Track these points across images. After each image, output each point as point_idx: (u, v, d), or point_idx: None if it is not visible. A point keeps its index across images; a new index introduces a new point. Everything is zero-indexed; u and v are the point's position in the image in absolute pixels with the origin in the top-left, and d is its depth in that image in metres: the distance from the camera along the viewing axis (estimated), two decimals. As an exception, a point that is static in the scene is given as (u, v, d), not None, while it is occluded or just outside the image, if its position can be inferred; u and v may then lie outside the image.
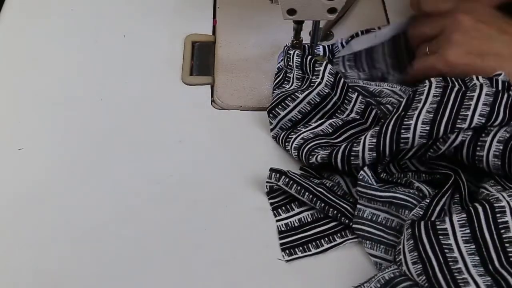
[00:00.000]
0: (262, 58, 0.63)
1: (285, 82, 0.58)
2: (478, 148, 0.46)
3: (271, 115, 0.55)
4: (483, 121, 0.45)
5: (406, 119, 0.47)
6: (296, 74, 0.57)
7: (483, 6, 0.54)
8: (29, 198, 0.51)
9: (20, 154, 0.54)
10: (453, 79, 0.49)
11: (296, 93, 0.54)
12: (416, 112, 0.47)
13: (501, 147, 0.45)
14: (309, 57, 0.56)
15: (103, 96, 0.59)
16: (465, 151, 0.47)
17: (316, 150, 0.51)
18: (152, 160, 0.54)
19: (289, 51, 0.58)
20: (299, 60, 0.57)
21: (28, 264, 0.47)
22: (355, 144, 0.49)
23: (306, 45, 0.61)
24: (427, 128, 0.46)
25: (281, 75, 0.59)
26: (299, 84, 0.57)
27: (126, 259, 0.48)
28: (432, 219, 0.45)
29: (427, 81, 0.49)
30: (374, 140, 0.48)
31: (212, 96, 0.60)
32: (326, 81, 0.54)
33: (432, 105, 0.47)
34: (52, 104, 0.59)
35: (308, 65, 0.56)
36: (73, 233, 0.49)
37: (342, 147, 0.49)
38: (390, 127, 0.47)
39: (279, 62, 0.60)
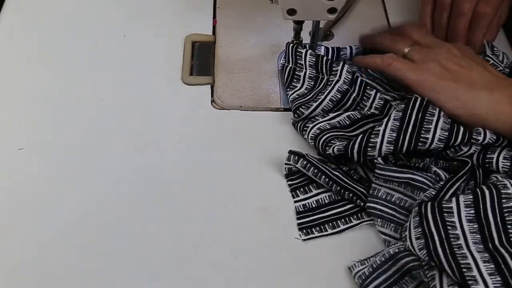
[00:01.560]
0: (262, 58, 0.63)
1: (294, 80, 0.58)
2: (486, 161, 0.50)
3: (295, 115, 0.56)
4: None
5: (425, 122, 0.50)
6: (309, 73, 0.58)
7: (469, 48, 0.57)
8: (29, 198, 0.51)
9: (20, 154, 0.54)
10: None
11: (318, 96, 0.55)
12: (435, 118, 0.50)
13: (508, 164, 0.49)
14: (325, 58, 0.57)
15: (103, 96, 0.59)
16: (475, 158, 0.50)
17: (333, 142, 0.52)
18: (152, 160, 0.54)
19: (299, 49, 0.58)
20: (313, 59, 0.58)
21: (28, 264, 0.47)
22: (372, 136, 0.49)
23: (307, 45, 0.61)
24: (446, 134, 0.49)
25: (289, 73, 0.59)
26: (312, 83, 0.57)
27: (126, 259, 0.48)
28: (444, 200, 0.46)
29: None
30: (395, 135, 0.49)
31: (212, 96, 0.60)
32: (344, 78, 0.55)
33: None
34: (52, 104, 0.59)
35: (324, 65, 0.57)
36: (73, 233, 0.49)
37: (359, 138, 0.50)
38: (411, 125, 0.49)
39: (282, 59, 0.60)
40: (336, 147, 0.51)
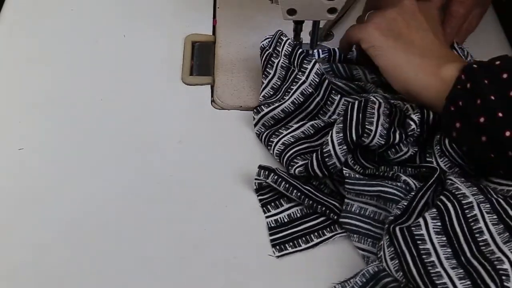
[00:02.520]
0: (262, 58, 0.63)
1: (269, 66, 0.57)
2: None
3: (255, 110, 0.55)
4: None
5: (367, 117, 0.49)
6: (282, 62, 0.57)
7: (432, 7, 0.55)
8: (29, 198, 0.51)
9: (20, 154, 0.54)
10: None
11: (283, 97, 0.55)
12: (375, 116, 0.49)
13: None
14: (300, 50, 0.56)
15: (103, 96, 0.59)
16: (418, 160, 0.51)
17: (295, 160, 0.51)
18: (152, 160, 0.54)
19: (282, 37, 0.57)
20: (289, 49, 0.57)
21: (28, 264, 0.47)
22: (324, 145, 0.49)
23: (307, 45, 0.61)
24: (385, 131, 0.49)
25: (265, 58, 0.58)
26: (283, 73, 0.57)
27: (126, 259, 0.48)
28: (416, 213, 0.46)
29: None
30: (341, 135, 0.49)
31: (212, 96, 0.60)
32: (311, 80, 0.54)
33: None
34: (52, 104, 0.59)
35: (297, 58, 0.56)
36: (73, 233, 0.49)
37: (314, 155, 0.50)
38: (354, 122, 0.49)
39: (264, 41, 0.59)
40: (297, 168, 0.50)
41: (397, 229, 0.44)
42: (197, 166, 0.54)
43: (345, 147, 0.48)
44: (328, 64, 0.59)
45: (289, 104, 0.54)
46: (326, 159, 0.49)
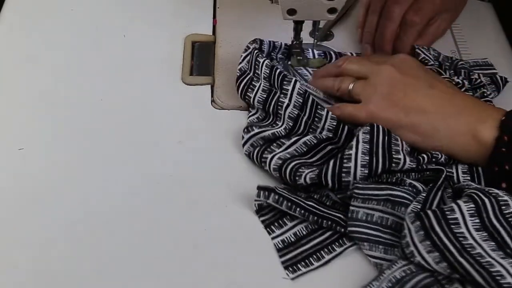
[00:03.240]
0: (262, 58, 0.63)
1: (250, 90, 0.57)
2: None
3: (245, 130, 0.55)
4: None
5: (393, 144, 0.49)
6: (263, 86, 0.56)
7: (412, 59, 0.55)
8: (29, 198, 0.51)
9: (20, 154, 0.54)
10: None
11: (276, 122, 0.55)
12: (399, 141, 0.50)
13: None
14: (278, 70, 0.55)
15: (103, 96, 0.59)
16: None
17: (301, 170, 0.50)
18: (152, 160, 0.54)
19: (258, 58, 0.57)
20: (268, 71, 0.56)
21: (28, 264, 0.47)
22: (345, 160, 0.48)
23: (305, 45, 0.61)
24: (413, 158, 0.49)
25: (246, 82, 0.57)
26: (265, 96, 0.56)
27: (126, 259, 0.48)
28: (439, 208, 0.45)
29: None
30: (367, 158, 0.48)
31: (212, 96, 0.60)
32: (295, 101, 0.54)
33: None
34: (52, 104, 0.59)
35: (276, 80, 0.55)
36: (73, 233, 0.49)
37: (331, 164, 0.49)
38: (380, 147, 0.49)
39: (241, 63, 0.58)
40: (308, 176, 0.49)
41: (435, 224, 0.43)
42: (197, 166, 0.54)
43: (366, 171, 0.48)
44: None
45: (281, 129, 0.54)
46: (343, 175, 0.48)
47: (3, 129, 0.56)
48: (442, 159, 0.50)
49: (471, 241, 0.42)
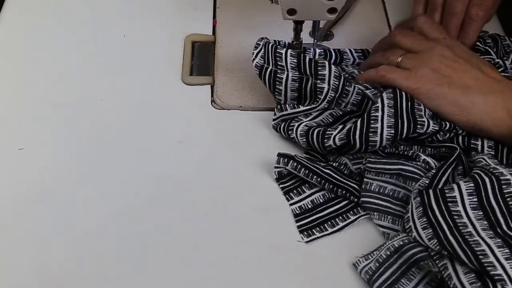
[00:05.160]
0: (262, 58, 0.63)
1: (277, 83, 0.56)
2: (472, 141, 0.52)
3: (278, 107, 0.56)
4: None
5: (416, 109, 0.51)
6: (292, 76, 0.55)
7: (463, 46, 0.57)
8: (29, 198, 0.51)
9: (20, 154, 0.54)
10: None
11: (310, 112, 0.55)
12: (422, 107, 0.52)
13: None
14: (307, 57, 0.55)
15: (103, 96, 0.59)
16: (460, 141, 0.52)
17: (328, 132, 0.52)
18: (152, 160, 0.54)
19: (279, 50, 0.56)
20: (295, 61, 0.55)
21: (28, 264, 0.47)
22: (372, 121, 0.50)
23: (305, 46, 0.61)
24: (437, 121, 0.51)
25: (270, 76, 0.56)
26: (297, 85, 0.55)
27: (126, 259, 0.48)
28: (439, 187, 0.47)
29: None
30: (393, 120, 0.50)
31: (212, 96, 0.60)
32: (333, 85, 0.54)
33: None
34: (52, 104, 0.59)
35: (308, 67, 0.55)
36: (73, 233, 0.49)
37: (359, 124, 0.50)
38: (404, 110, 0.51)
39: (255, 59, 0.56)
40: (337, 137, 0.51)
41: (433, 202, 0.45)
42: (197, 166, 0.54)
43: (393, 131, 0.50)
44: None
45: (314, 111, 0.55)
46: (370, 134, 0.50)
47: (3, 129, 0.56)
48: (463, 132, 0.52)
49: (465, 219, 0.44)
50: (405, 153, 0.51)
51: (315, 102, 0.55)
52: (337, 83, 0.54)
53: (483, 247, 0.41)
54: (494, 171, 0.46)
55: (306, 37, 0.60)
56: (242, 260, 0.48)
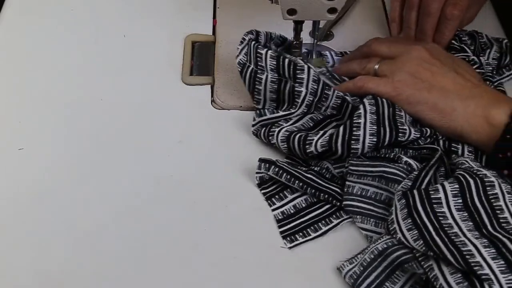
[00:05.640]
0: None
1: (257, 83, 0.55)
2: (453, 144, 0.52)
3: (257, 112, 0.55)
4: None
5: (397, 116, 0.51)
6: (271, 77, 0.55)
7: (440, 48, 0.57)
8: (29, 198, 0.51)
9: (20, 154, 0.54)
10: None
11: (290, 116, 0.55)
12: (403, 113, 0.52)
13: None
14: (286, 60, 0.54)
15: (103, 96, 0.59)
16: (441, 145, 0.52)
17: (310, 138, 0.51)
18: (152, 160, 0.54)
19: (259, 50, 0.55)
20: (275, 63, 0.55)
21: (28, 264, 0.47)
22: (354, 128, 0.49)
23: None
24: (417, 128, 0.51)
25: (250, 75, 0.55)
26: (276, 87, 0.55)
27: (126, 259, 0.48)
28: (423, 188, 0.47)
29: None
30: (375, 127, 0.49)
31: (212, 96, 0.60)
32: (311, 89, 0.54)
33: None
34: (52, 104, 0.59)
35: (288, 69, 0.54)
36: (73, 233, 0.49)
37: (341, 131, 0.50)
38: (386, 117, 0.50)
39: (239, 55, 0.56)
40: (319, 143, 0.51)
41: (418, 203, 0.45)
42: (197, 166, 0.54)
43: (375, 139, 0.49)
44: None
45: (293, 116, 0.55)
46: (352, 142, 0.49)
47: (3, 129, 0.56)
48: (444, 137, 0.52)
49: (450, 220, 0.44)
50: (387, 155, 0.51)
51: (294, 106, 0.54)
52: (315, 87, 0.54)
53: (469, 247, 0.41)
54: (478, 173, 0.46)
55: (306, 37, 0.60)
56: (242, 260, 0.48)
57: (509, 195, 0.45)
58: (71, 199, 0.51)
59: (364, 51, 0.58)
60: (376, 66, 0.55)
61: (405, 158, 0.50)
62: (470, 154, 0.51)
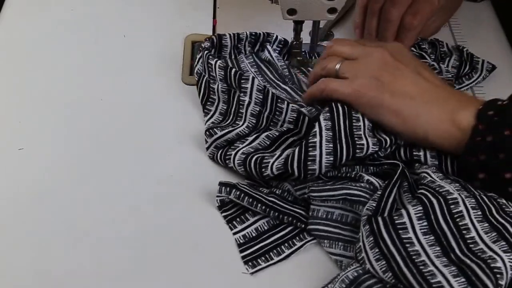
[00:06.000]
0: (262, 58, 0.63)
1: (211, 92, 0.56)
2: (414, 150, 0.50)
3: (207, 133, 0.54)
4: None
5: (354, 129, 0.49)
6: (221, 88, 0.56)
7: (404, 48, 0.54)
8: (29, 198, 0.51)
9: (20, 154, 0.54)
10: None
11: (236, 122, 0.54)
12: (361, 124, 0.49)
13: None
14: (233, 70, 0.54)
15: (103, 96, 0.59)
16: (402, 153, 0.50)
17: (265, 160, 0.50)
18: (152, 160, 0.54)
19: (210, 61, 0.56)
20: (223, 73, 0.55)
21: (28, 264, 0.47)
22: (310, 148, 0.48)
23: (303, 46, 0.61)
24: (375, 140, 0.49)
25: (205, 85, 0.57)
26: (226, 97, 0.56)
27: (126, 259, 0.48)
28: (386, 211, 0.45)
29: None
30: (331, 145, 0.48)
31: (212, 96, 0.60)
32: (255, 99, 0.54)
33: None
34: (52, 104, 0.59)
35: (233, 80, 0.55)
36: (73, 233, 0.49)
37: (296, 152, 0.48)
38: (342, 133, 0.48)
39: (197, 65, 0.57)
40: (275, 165, 0.49)
41: (383, 231, 0.43)
42: (197, 166, 0.54)
43: (331, 159, 0.47)
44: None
45: (243, 128, 0.54)
46: (309, 163, 0.47)
47: (3, 129, 0.56)
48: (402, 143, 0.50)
49: (417, 247, 0.42)
50: (348, 174, 0.49)
51: (239, 118, 0.54)
52: (260, 96, 0.53)
53: (438, 278, 0.40)
54: (441, 191, 0.44)
55: (306, 37, 0.60)
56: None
57: (474, 211, 0.43)
58: (71, 199, 0.51)
59: (326, 52, 0.55)
60: (338, 66, 0.52)
61: (366, 177, 0.47)
62: (433, 159, 0.49)
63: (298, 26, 0.57)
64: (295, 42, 0.59)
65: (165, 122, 0.57)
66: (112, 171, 0.53)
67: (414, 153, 0.50)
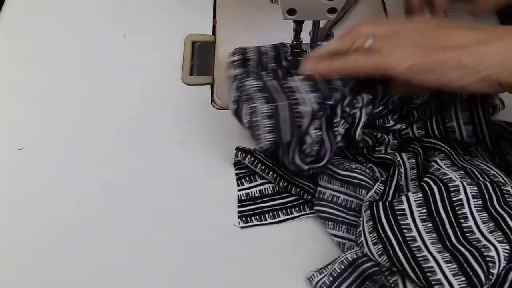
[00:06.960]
0: (262, 58, 0.63)
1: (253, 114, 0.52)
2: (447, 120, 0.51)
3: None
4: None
5: None
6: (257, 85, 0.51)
7: (434, 18, 0.52)
8: (29, 198, 0.51)
9: (20, 154, 0.54)
10: None
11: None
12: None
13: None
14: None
15: (103, 96, 0.59)
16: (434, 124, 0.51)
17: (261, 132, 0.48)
18: (152, 160, 0.54)
19: (245, 83, 0.51)
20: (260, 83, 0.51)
21: (28, 264, 0.47)
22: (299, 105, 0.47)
23: (306, 45, 0.60)
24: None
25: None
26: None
27: (126, 259, 0.48)
28: (389, 197, 0.47)
29: None
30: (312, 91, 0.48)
31: (212, 96, 0.60)
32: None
33: None
34: (52, 104, 0.59)
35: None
36: (73, 233, 0.49)
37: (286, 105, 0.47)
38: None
39: (232, 94, 0.52)
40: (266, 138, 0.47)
41: (382, 216, 0.44)
42: (197, 166, 0.54)
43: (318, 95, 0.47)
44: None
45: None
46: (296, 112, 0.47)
47: (3, 129, 0.56)
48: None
49: (414, 233, 0.43)
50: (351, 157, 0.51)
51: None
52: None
53: (431, 263, 0.41)
54: (443, 178, 0.45)
55: (306, 37, 0.60)
56: (242, 260, 0.48)
57: (475, 200, 0.43)
58: (70, 199, 0.51)
59: (347, 33, 0.49)
60: (368, 43, 0.46)
61: (369, 164, 0.50)
62: (419, 130, 0.51)
63: (298, 26, 0.57)
64: (295, 42, 0.59)
65: (165, 122, 0.57)
66: (112, 171, 0.53)
67: (447, 124, 0.51)
